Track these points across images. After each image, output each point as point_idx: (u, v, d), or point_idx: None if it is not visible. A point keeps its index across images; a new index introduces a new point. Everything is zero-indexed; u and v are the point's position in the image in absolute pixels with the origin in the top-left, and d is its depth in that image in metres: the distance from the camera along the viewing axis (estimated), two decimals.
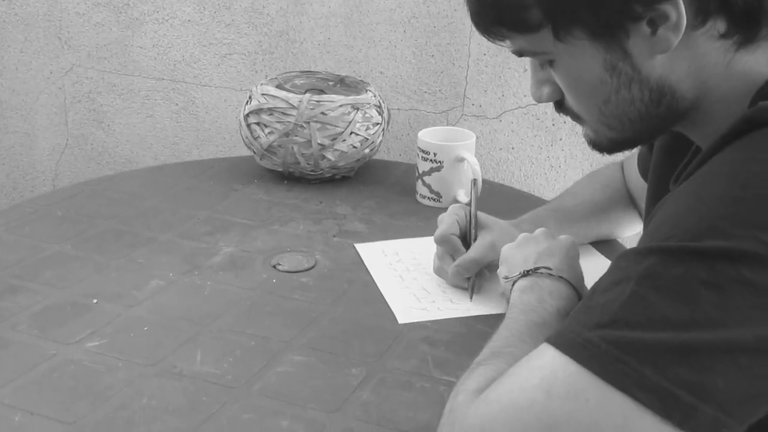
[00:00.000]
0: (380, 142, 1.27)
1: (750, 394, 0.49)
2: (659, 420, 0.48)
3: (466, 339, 0.82)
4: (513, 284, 0.80)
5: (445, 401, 0.69)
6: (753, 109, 0.55)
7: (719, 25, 0.60)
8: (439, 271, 0.96)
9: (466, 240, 0.95)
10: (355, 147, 1.22)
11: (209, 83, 1.58)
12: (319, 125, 1.19)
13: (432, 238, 0.99)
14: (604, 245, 1.06)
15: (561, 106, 0.71)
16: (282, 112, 1.20)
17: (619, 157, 0.88)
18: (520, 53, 0.68)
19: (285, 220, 1.12)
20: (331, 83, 1.34)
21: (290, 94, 1.20)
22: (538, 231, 0.88)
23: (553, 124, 1.38)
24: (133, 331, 0.81)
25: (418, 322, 0.85)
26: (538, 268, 0.80)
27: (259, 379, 0.74)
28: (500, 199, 1.17)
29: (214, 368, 0.75)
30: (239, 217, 1.12)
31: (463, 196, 1.18)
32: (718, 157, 0.55)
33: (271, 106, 1.20)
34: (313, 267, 0.98)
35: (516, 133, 1.40)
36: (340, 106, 1.20)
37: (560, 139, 1.38)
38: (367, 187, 1.26)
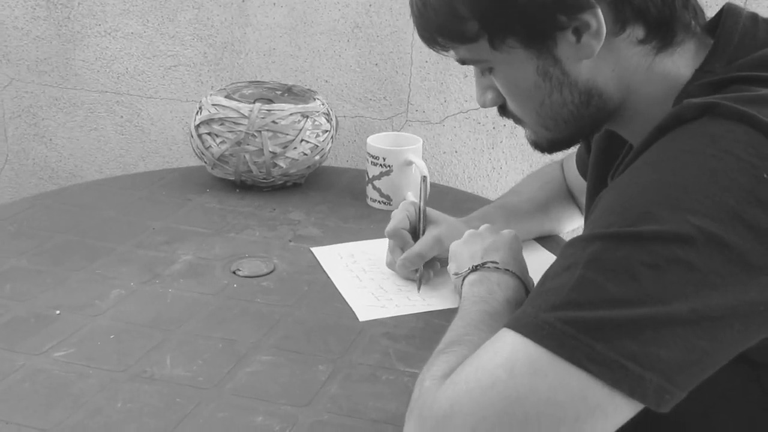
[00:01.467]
0: (329, 149, 1.30)
1: (689, 361, 0.54)
2: (610, 389, 0.53)
3: (425, 333, 0.87)
4: (463, 279, 0.85)
5: (410, 391, 0.72)
6: (679, 106, 0.61)
7: (638, 32, 0.66)
8: (390, 264, 1.01)
9: (416, 234, 1.00)
10: (305, 154, 1.25)
11: (154, 95, 1.59)
12: (270, 134, 1.22)
13: (383, 239, 1.05)
14: (547, 240, 1.12)
15: (503, 110, 0.77)
16: (233, 122, 1.22)
17: (558, 156, 0.94)
18: (462, 61, 0.74)
19: (240, 227, 1.14)
20: (278, 92, 1.37)
21: (241, 104, 1.23)
22: (483, 227, 0.93)
23: (494, 128, 1.44)
24: (99, 339, 0.83)
25: (377, 320, 0.89)
26: (485, 263, 0.85)
27: (230, 379, 0.76)
28: (446, 201, 1.22)
29: (185, 371, 0.77)
30: (195, 225, 1.14)
31: (412, 198, 1.22)
32: (648, 150, 0.61)
33: (222, 116, 1.22)
34: (272, 271, 1.01)
35: (458, 137, 1.46)
36: (290, 114, 1.23)
37: (501, 142, 1.44)
38: (319, 193, 1.29)
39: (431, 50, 0.74)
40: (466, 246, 0.90)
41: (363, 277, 1.00)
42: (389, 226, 1.00)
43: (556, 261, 0.61)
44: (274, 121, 1.22)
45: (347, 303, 0.93)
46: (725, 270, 0.54)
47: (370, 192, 1.24)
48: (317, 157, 1.28)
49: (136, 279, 0.97)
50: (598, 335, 0.54)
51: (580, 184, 1.07)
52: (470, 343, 0.67)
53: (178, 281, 0.97)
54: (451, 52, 0.74)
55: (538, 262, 0.96)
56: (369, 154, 1.22)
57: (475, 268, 0.85)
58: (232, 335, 0.85)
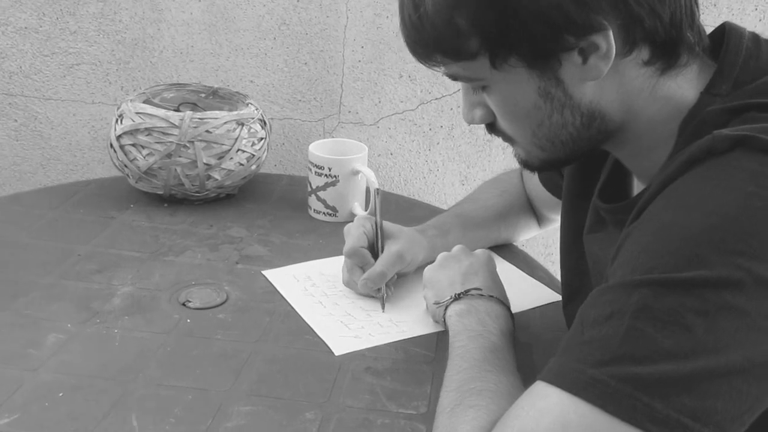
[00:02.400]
0: (265, 157, 1.22)
1: (741, 411, 0.52)
2: None
3: (408, 365, 0.81)
4: (446, 308, 0.81)
5: (413, 428, 0.68)
6: (709, 137, 0.58)
7: (643, 54, 0.63)
8: (349, 284, 0.95)
9: (374, 250, 0.95)
10: (241, 164, 1.16)
11: (54, 96, 1.43)
12: (203, 144, 1.12)
13: (339, 257, 0.99)
14: (502, 249, 1.09)
15: (492, 127, 0.73)
16: (162, 132, 1.11)
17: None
18: (454, 77, 0.69)
19: (178, 249, 1.04)
20: (203, 95, 1.26)
21: (170, 112, 1.12)
22: (456, 249, 0.88)
23: (430, 129, 1.39)
24: (46, 400, 0.72)
25: (354, 352, 0.83)
26: (468, 291, 0.80)
27: None
28: (390, 207, 1.17)
29: None
30: (126, 249, 1.03)
31: (359, 209, 1.16)
32: (680, 186, 0.57)
33: (148, 125, 1.11)
34: (225, 301, 0.92)
35: (394, 139, 1.40)
36: (225, 122, 1.13)
37: (437, 144, 1.40)
38: (255, 205, 1.20)
39: (422, 63, 0.68)
40: (443, 271, 0.85)
41: (326, 302, 0.93)
42: (347, 246, 0.94)
43: (590, 307, 0.57)
44: (207, 131, 1.12)
45: (317, 335, 0.86)
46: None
47: (314, 203, 1.17)
48: (253, 167, 1.19)
49: (72, 319, 0.86)
50: (655, 393, 0.50)
51: (540, 193, 1.04)
52: (489, 392, 0.63)
53: (122, 319, 0.86)
54: (441, 68, 0.68)
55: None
56: (312, 163, 1.15)
57: (458, 297, 0.80)
58: (200, 383, 0.76)
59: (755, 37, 0.67)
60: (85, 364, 0.78)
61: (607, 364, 0.52)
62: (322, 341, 0.84)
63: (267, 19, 1.35)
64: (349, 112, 1.39)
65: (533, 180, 1.06)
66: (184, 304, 0.91)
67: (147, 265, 0.99)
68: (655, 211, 0.58)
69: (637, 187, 0.77)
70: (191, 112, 1.12)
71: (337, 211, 1.16)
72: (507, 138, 0.72)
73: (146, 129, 1.11)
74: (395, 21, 1.27)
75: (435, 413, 0.69)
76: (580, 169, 0.85)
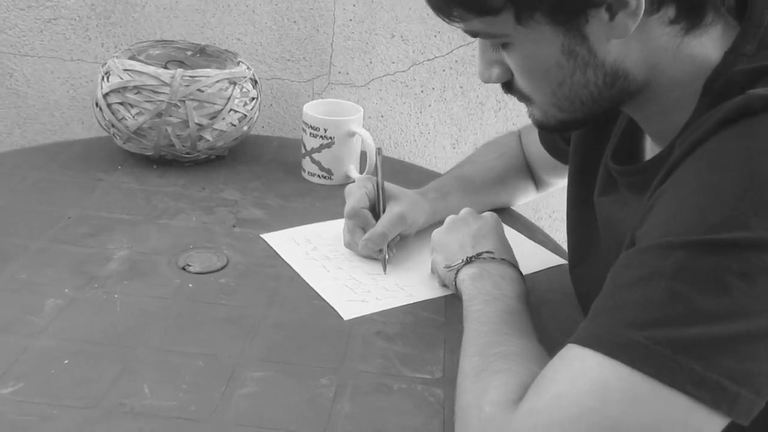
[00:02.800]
0: (257, 117, 1.18)
1: None
2: (710, 411, 0.50)
3: (418, 329, 0.80)
4: (456, 272, 0.79)
5: (426, 401, 0.67)
6: (743, 97, 0.57)
7: (669, 12, 0.62)
8: (350, 245, 0.94)
9: (375, 211, 0.93)
10: (233, 125, 1.13)
11: (30, 53, 1.37)
12: (195, 103, 1.08)
13: (338, 220, 0.98)
14: (500, 212, 1.08)
15: (509, 86, 0.71)
16: (152, 90, 1.07)
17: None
18: (474, 34, 0.67)
19: (172, 212, 1.01)
20: (189, 53, 1.22)
21: (160, 70, 1.07)
22: (464, 211, 0.87)
23: (422, 91, 1.37)
24: (52, 366, 0.69)
25: (363, 317, 0.82)
26: (480, 254, 0.79)
27: (227, 405, 0.66)
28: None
29: (171, 400, 0.66)
30: (118, 212, 1.00)
31: (354, 171, 1.14)
32: (714, 145, 0.56)
33: (138, 83, 1.07)
34: (226, 265, 0.90)
35: (385, 101, 1.38)
36: (217, 81, 1.10)
37: (429, 106, 1.38)
38: (246, 167, 1.18)
39: (442, 18, 0.66)
40: (452, 234, 0.83)
41: (329, 266, 0.91)
42: (348, 206, 0.92)
43: (624, 268, 0.56)
44: (199, 89, 1.08)
45: (323, 299, 0.84)
46: None
47: (308, 165, 1.14)
48: (245, 128, 1.16)
49: (69, 284, 0.83)
50: (694, 355, 0.50)
51: (539, 157, 1.03)
52: (515, 356, 0.62)
53: (121, 284, 0.84)
54: (461, 24, 0.66)
55: None
56: (307, 124, 1.12)
57: (469, 260, 0.79)
58: (208, 348, 0.74)
59: None
60: (88, 329, 0.75)
61: (645, 326, 0.51)
62: (330, 306, 0.83)
63: None
64: (339, 72, 1.36)
65: (533, 143, 1.04)
66: (184, 269, 0.88)
67: (141, 228, 0.96)
68: (688, 171, 0.57)
69: (651, 149, 0.75)
70: (182, 69, 1.08)
71: (332, 174, 1.13)
72: (524, 97, 0.71)
73: (135, 87, 1.07)
74: None
75: (451, 378, 0.68)
76: (589, 132, 0.84)
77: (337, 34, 1.33)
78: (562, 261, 0.97)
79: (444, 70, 1.35)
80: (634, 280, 0.53)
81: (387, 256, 0.91)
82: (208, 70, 1.10)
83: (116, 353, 0.72)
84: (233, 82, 1.11)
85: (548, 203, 1.46)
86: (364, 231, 0.92)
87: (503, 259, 0.79)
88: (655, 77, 0.65)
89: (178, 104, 1.07)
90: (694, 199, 0.54)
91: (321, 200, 1.09)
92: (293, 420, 0.65)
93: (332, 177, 1.13)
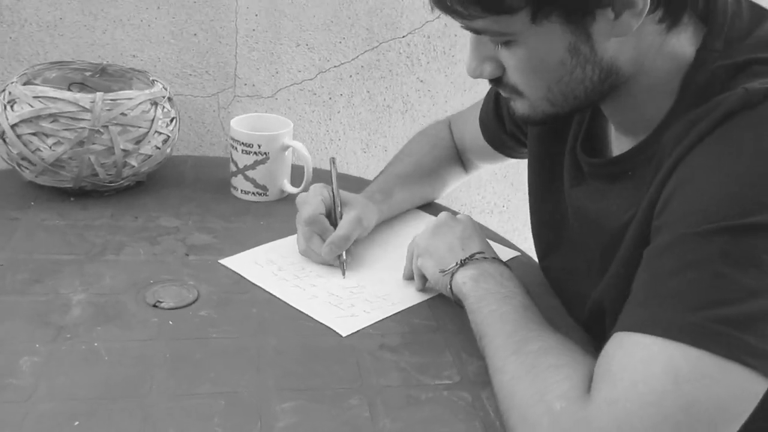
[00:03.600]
0: (177, 138, 1.13)
1: None
2: (765, 378, 0.55)
3: (418, 337, 0.81)
4: (452, 276, 0.81)
5: (459, 406, 0.69)
6: (741, 91, 0.61)
7: (659, 11, 0.67)
8: (306, 252, 0.94)
9: (330, 218, 0.94)
10: (158, 148, 1.07)
11: None
12: (119, 128, 1.01)
13: (290, 237, 0.98)
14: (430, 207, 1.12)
15: (499, 81, 0.73)
16: (71, 118, 0.99)
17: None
18: (479, 31, 0.68)
19: (114, 246, 0.94)
20: (89, 74, 1.14)
21: (78, 95, 0.99)
22: (443, 215, 0.89)
23: (330, 98, 1.37)
24: (63, 431, 0.63)
25: (359, 331, 0.81)
26: (473, 255, 0.82)
27: None
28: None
29: None
30: (54, 252, 0.91)
31: (289, 185, 1.12)
32: (724, 136, 0.62)
33: (54, 111, 0.98)
34: (198, 297, 0.85)
35: (293, 110, 1.36)
36: (139, 103, 1.03)
37: (338, 112, 1.38)
38: (172, 191, 1.12)
39: (447, 13, 0.66)
40: (438, 238, 0.85)
41: (302, 284, 0.89)
42: (306, 214, 0.92)
43: (665, 258, 0.60)
44: (122, 113, 1.01)
45: (313, 319, 0.83)
46: None
47: (241, 183, 1.10)
48: (168, 150, 1.10)
49: (36, 338, 0.75)
50: (747, 329, 0.55)
51: (475, 145, 1.07)
52: (560, 350, 0.65)
53: (95, 330, 0.77)
54: (463, 21, 0.67)
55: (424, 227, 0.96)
56: (237, 141, 1.08)
57: (463, 262, 0.81)
58: (224, 386, 0.70)
59: None
60: (84, 384, 0.69)
61: (700, 309, 0.56)
62: (322, 325, 0.82)
63: None
64: (245, 84, 1.32)
65: (468, 132, 1.08)
66: (155, 306, 0.83)
67: (89, 267, 0.89)
68: (705, 161, 0.62)
69: (616, 140, 0.81)
70: (102, 93, 1.01)
71: (267, 190, 1.11)
72: (514, 92, 0.73)
73: (51, 115, 0.98)
74: None
75: (472, 380, 0.71)
76: (546, 129, 0.89)
77: (241, 46, 1.30)
78: (516, 253, 1.01)
79: (351, 76, 1.35)
80: (682, 266, 0.58)
81: (345, 261, 0.92)
82: (130, 92, 1.03)
83: (129, 405, 0.67)
84: (155, 103, 1.05)
85: (475, 199, 1.51)
86: (322, 237, 0.92)
87: (494, 258, 0.82)
88: (639, 72, 0.70)
89: (101, 130, 1.00)
90: (720, 188, 0.59)
91: (263, 218, 1.06)
92: None
93: (268, 193, 1.11)
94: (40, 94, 0.99)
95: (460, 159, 1.12)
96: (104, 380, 0.70)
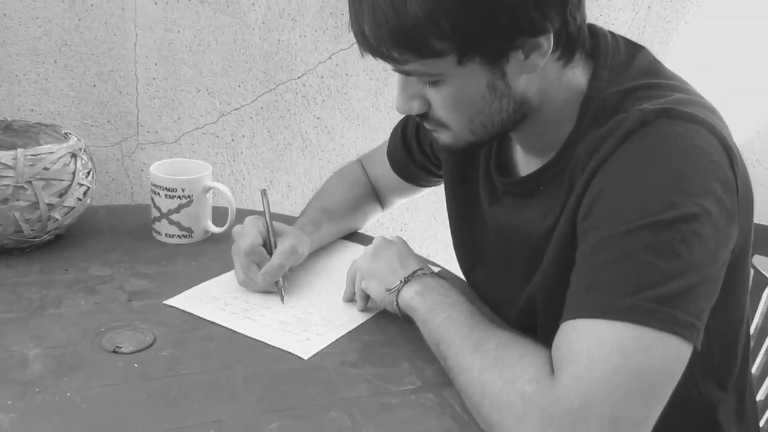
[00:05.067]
0: (95, 188, 1.13)
1: (710, 306, 0.71)
2: (689, 345, 0.67)
3: (373, 351, 0.87)
4: (397, 293, 0.89)
5: (427, 406, 0.77)
6: (638, 112, 0.73)
7: (558, 50, 0.79)
8: (245, 283, 0.99)
9: (266, 248, 1.00)
10: (80, 199, 1.08)
11: None
12: (42, 183, 1.01)
13: (226, 274, 1.04)
14: (355, 236, 1.20)
15: (425, 116, 0.82)
16: None
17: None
18: (409, 73, 0.77)
19: (53, 300, 0.94)
20: None
21: (1, 152, 0.99)
22: (379, 239, 0.97)
23: (233, 140, 1.41)
24: None
25: (318, 352, 0.87)
26: (414, 272, 0.90)
27: None
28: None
29: None
30: None
31: (212, 225, 1.16)
32: (629, 150, 0.73)
33: None
34: (155, 338, 0.88)
35: (198, 154, 1.39)
36: (60, 157, 1.04)
37: (241, 153, 1.43)
38: (93, 241, 1.12)
39: (380, 58, 0.74)
40: (379, 261, 0.92)
41: (253, 315, 0.94)
42: (246, 245, 0.98)
43: (597, 254, 0.70)
44: (45, 168, 1.01)
45: (274, 347, 0.87)
46: (718, 233, 0.71)
47: (165, 228, 1.13)
48: (88, 201, 1.11)
49: (5, 396, 0.75)
50: (675, 305, 0.67)
51: (389, 181, 1.17)
52: (517, 342, 0.74)
53: (62, 381, 0.78)
54: (393, 64, 0.76)
55: (351, 253, 1.07)
56: (160, 187, 1.11)
57: (407, 280, 0.89)
58: (209, 416, 0.74)
59: (611, 33, 0.87)
60: None
61: (635, 293, 0.67)
62: (282, 351, 0.87)
63: (44, 41, 1.23)
64: (148, 132, 1.34)
65: (379, 171, 1.17)
66: (115, 352, 0.84)
67: (33, 323, 0.89)
68: (619, 172, 0.73)
69: (524, 161, 0.92)
70: (23, 149, 1.01)
71: (192, 232, 1.14)
72: (440, 125, 0.82)
73: None
74: (187, 35, 1.27)
75: (433, 383, 0.79)
76: (460, 156, 0.99)
77: (142, 94, 1.32)
78: (437, 268, 1.10)
79: (251, 118, 1.41)
80: (615, 259, 0.69)
81: (283, 287, 0.98)
82: (50, 146, 1.03)
83: None
84: (74, 155, 1.06)
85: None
86: (259, 267, 0.97)
87: (433, 273, 0.90)
88: (543, 102, 0.82)
89: (25, 186, 1.00)
90: (637, 193, 0.70)
91: (193, 259, 1.09)
92: None
93: (193, 235, 1.14)
94: None
95: (376, 196, 1.20)
96: (90, 427, 0.71)
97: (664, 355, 0.66)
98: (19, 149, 1.00)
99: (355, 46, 1.29)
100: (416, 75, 0.77)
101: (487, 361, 0.73)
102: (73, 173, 1.05)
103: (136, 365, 0.82)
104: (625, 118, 0.75)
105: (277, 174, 1.47)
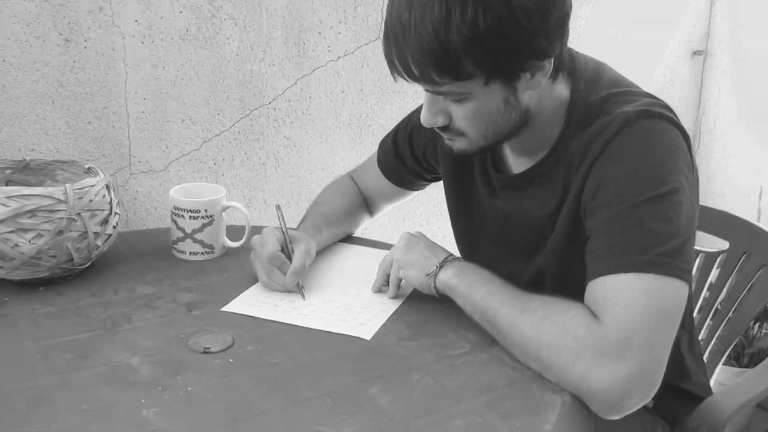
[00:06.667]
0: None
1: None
2: (687, 287, 0.90)
3: (419, 327, 1.03)
4: (435, 277, 1.06)
5: (484, 361, 0.95)
6: (623, 114, 0.95)
7: (552, 69, 1.00)
8: (269, 285, 1.13)
9: (285, 253, 1.14)
10: (115, 227, 1.17)
11: None
12: (89, 213, 1.10)
13: (258, 284, 1.16)
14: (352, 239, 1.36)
15: (446, 128, 1.01)
16: (48, 210, 1.06)
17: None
18: (440, 93, 0.95)
19: (122, 318, 1.04)
20: (9, 171, 1.20)
21: (49, 188, 1.07)
22: (405, 234, 1.13)
23: (215, 164, 1.53)
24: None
25: (378, 332, 1.02)
26: (446, 258, 1.08)
27: (412, 405, 0.84)
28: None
29: (401, 410, 0.81)
30: (72, 333, 0.99)
31: (228, 240, 1.28)
32: (620, 144, 0.94)
33: (33, 206, 1.05)
34: (233, 338, 1.00)
35: (184, 179, 1.49)
36: (100, 189, 1.13)
37: (222, 175, 1.54)
38: (123, 264, 1.22)
39: (416, 82, 0.92)
40: (413, 251, 1.09)
41: (304, 311, 1.08)
42: (268, 252, 1.11)
43: (612, 225, 0.91)
44: (90, 200, 1.11)
45: (337, 333, 1.02)
46: (690, 203, 0.95)
47: (189, 247, 1.24)
48: (120, 228, 1.20)
49: (133, 396, 0.86)
50: (676, 257, 0.89)
51: (381, 190, 1.34)
52: (553, 300, 0.93)
53: (176, 380, 0.89)
54: (429, 86, 0.94)
55: (352, 254, 1.24)
56: (184, 209, 1.22)
57: (442, 265, 1.06)
58: (319, 390, 0.87)
59: (577, 52, 1.09)
60: (218, 414, 0.82)
61: (647, 251, 0.88)
62: (347, 336, 1.02)
63: (42, 84, 1.30)
64: (140, 162, 1.43)
65: (370, 181, 1.34)
66: (205, 352, 0.96)
67: (116, 337, 0.98)
68: (616, 160, 0.94)
69: (514, 160, 1.13)
70: (69, 184, 1.09)
71: (213, 248, 1.25)
72: (458, 134, 1.00)
73: (29, 211, 1.05)
74: (171, 71, 1.40)
75: (484, 341, 0.97)
76: (458, 159, 1.18)
77: (133, 127, 1.41)
78: None
79: (230, 142, 1.53)
80: (628, 227, 0.90)
81: (302, 286, 1.12)
82: (88, 179, 1.13)
83: (273, 415, 0.82)
84: (107, 187, 1.16)
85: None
86: (280, 270, 1.12)
87: (458, 258, 1.09)
88: (538, 112, 1.02)
89: (75, 218, 1.08)
90: (631, 175, 0.92)
91: (222, 271, 1.21)
92: (460, 394, 0.87)
93: (214, 251, 1.26)
94: (13, 194, 1.05)
95: (366, 205, 1.37)
96: (228, 410, 0.84)
97: (674, 294, 0.88)
98: (67, 185, 1.09)
99: (317, 71, 1.47)
100: (448, 94, 0.95)
101: (537, 317, 0.92)
102: (110, 203, 1.14)
103: (231, 360, 0.94)
104: (613, 119, 0.97)
105: (254, 192, 1.59)
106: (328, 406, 0.85)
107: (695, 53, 2.33)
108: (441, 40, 0.88)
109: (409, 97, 1.68)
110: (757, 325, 2.13)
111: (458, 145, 1.03)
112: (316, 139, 1.65)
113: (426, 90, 0.97)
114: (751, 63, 2.30)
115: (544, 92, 1.00)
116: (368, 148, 1.70)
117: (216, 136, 1.51)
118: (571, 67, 1.04)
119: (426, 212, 1.86)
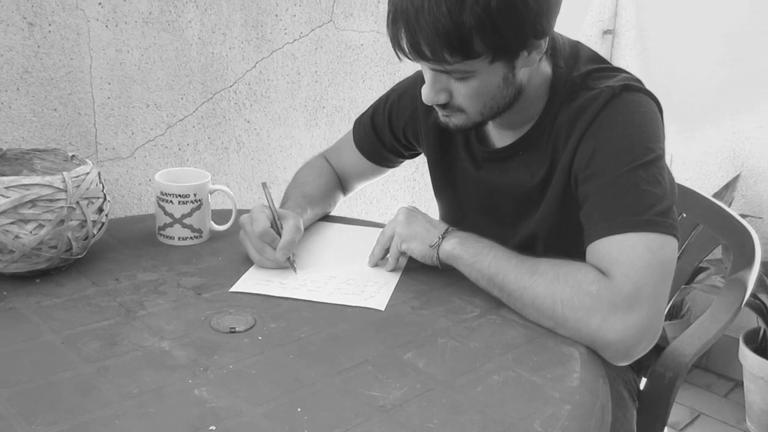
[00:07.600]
0: None
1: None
2: (677, 241, 1.00)
3: (427, 296, 1.08)
4: (438, 248, 1.12)
5: (497, 322, 1.02)
6: (608, 87, 1.04)
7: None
8: (261, 261, 1.16)
9: (275, 229, 1.16)
10: (107, 215, 1.15)
11: None
12: (86, 201, 1.09)
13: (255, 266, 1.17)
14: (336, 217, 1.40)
15: (446, 105, 1.07)
16: (49, 200, 1.04)
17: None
18: (447, 71, 1.01)
19: (135, 304, 1.04)
20: None
21: (48, 177, 1.04)
22: (402, 209, 1.18)
23: (179, 149, 1.51)
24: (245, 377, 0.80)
25: (389, 304, 1.07)
26: (447, 230, 1.13)
27: (446, 367, 0.89)
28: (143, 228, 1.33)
29: (437, 372, 0.86)
30: (87, 323, 0.98)
31: (214, 224, 1.28)
32: (608, 115, 1.03)
33: (33, 196, 1.02)
34: (255, 317, 1.02)
35: (151, 166, 1.47)
36: (94, 177, 1.11)
37: (187, 160, 1.53)
38: (113, 252, 1.20)
39: (426, 61, 0.98)
40: (414, 224, 1.14)
41: (312, 287, 1.11)
42: (259, 229, 1.13)
43: (610, 189, 1.00)
44: (87, 188, 1.09)
45: (352, 305, 1.06)
46: (668, 170, 1.05)
47: (178, 232, 1.24)
48: (111, 214, 1.18)
49: (180, 377, 0.87)
50: (668, 216, 0.99)
51: (356, 169, 1.38)
52: (560, 262, 1.01)
53: (213, 359, 0.91)
54: (438, 64, 0.99)
55: (334, 232, 1.29)
56: (173, 194, 1.21)
57: (444, 236, 1.12)
58: (356, 359, 0.92)
59: (555, 34, 1.17)
60: (277, 381, 0.85)
61: (644, 212, 0.98)
62: (362, 308, 1.06)
63: (6, 70, 1.25)
64: (106, 149, 1.40)
65: (347, 161, 1.38)
66: (231, 332, 0.98)
67: (136, 324, 0.98)
68: (605, 131, 1.03)
69: (498, 134, 1.20)
70: (66, 172, 1.07)
71: (202, 232, 1.26)
72: (457, 110, 1.07)
73: (30, 201, 1.02)
74: (135, 55, 1.38)
75: (495, 304, 1.04)
76: (441, 133, 1.24)
77: (98, 114, 1.38)
78: None
79: (194, 127, 1.52)
80: (625, 191, 0.99)
81: (294, 261, 1.16)
82: (82, 167, 1.10)
83: (326, 380, 0.85)
84: (98, 174, 1.14)
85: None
86: (271, 246, 1.14)
87: (457, 229, 1.14)
88: (527, 86, 1.10)
89: (74, 206, 1.06)
90: (622, 144, 1.01)
91: (214, 254, 1.22)
92: (484, 352, 0.93)
93: (202, 235, 1.26)
94: (12, 184, 1.01)
95: (341, 184, 1.40)
96: (275, 383, 0.86)
97: (671, 249, 0.98)
98: (64, 173, 1.06)
99: (274, 54, 1.49)
100: (455, 72, 1.01)
101: (549, 278, 1.00)
102: (103, 191, 1.13)
103: (260, 338, 0.97)
104: (599, 93, 1.06)
105: (218, 176, 1.59)
106: (372, 373, 0.89)
107: (605, 32, 2.49)
108: (455, 21, 0.93)
109: (360, 79, 1.72)
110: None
111: (455, 121, 1.09)
112: (275, 121, 1.66)
113: (432, 69, 1.02)
114: (655, 41, 2.48)
115: (533, 69, 1.08)
116: (323, 129, 1.73)
117: (180, 120, 1.49)
118: (551, 45, 1.12)
119: (383, 195, 1.90)
